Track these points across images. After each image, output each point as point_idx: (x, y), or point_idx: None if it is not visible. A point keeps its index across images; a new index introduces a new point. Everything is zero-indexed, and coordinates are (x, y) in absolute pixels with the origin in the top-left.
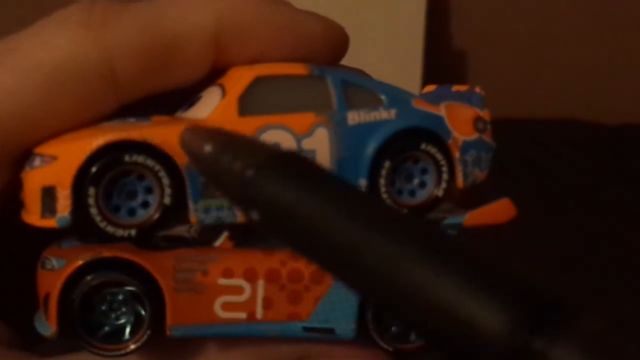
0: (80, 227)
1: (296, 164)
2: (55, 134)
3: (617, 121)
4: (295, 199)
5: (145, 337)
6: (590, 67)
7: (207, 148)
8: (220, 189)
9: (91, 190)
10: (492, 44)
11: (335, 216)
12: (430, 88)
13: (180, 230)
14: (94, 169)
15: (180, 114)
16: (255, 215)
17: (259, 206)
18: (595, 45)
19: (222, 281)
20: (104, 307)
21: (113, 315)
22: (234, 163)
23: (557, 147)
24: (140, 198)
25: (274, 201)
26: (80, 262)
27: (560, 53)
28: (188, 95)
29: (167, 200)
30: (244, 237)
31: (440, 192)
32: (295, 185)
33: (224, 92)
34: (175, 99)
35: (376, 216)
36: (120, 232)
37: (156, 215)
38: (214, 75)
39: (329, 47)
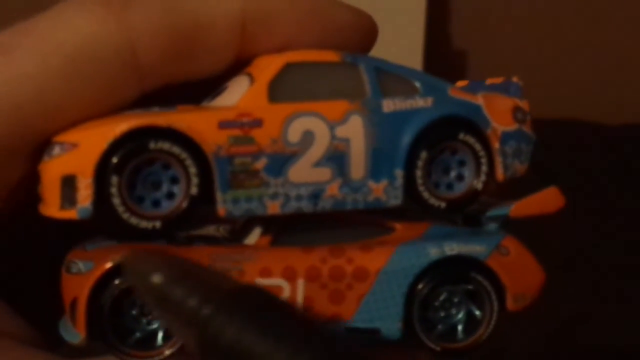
0: (102, 220)
1: (253, 304)
2: (75, 122)
3: (617, 121)
4: (255, 343)
5: (179, 342)
6: (591, 67)
7: (156, 278)
8: (170, 326)
9: (114, 179)
10: (492, 44)
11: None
12: (463, 83)
13: (208, 230)
14: (117, 157)
15: (207, 104)
16: (214, 357)
17: (219, 348)
18: (596, 46)
19: (260, 281)
20: (134, 312)
21: (144, 320)
22: (188, 298)
23: (558, 147)
24: (165, 188)
25: (235, 343)
26: (109, 265)
27: (561, 53)
28: (214, 87)
29: (193, 190)
30: (279, 232)
31: (479, 185)
32: (254, 328)
33: (252, 80)
34: (200, 91)
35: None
36: (144, 224)
37: (183, 206)
38: (239, 66)
39: (358, 35)
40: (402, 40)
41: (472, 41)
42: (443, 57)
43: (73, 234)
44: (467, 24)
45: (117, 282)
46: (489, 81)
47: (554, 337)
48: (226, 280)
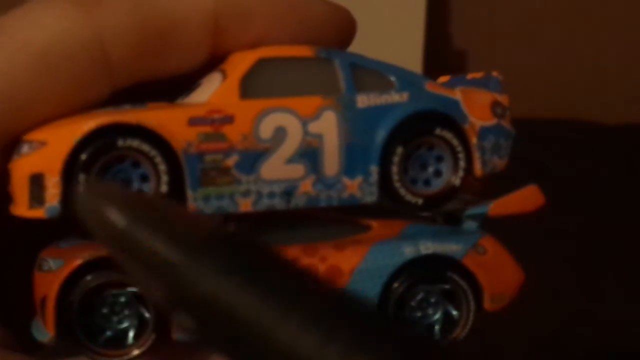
0: (72, 220)
1: (237, 246)
2: (46, 120)
3: (617, 121)
4: (238, 292)
5: (149, 341)
6: (591, 67)
7: (117, 218)
8: (133, 274)
9: (82, 178)
10: (492, 43)
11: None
12: (444, 79)
13: None
14: (84, 155)
15: (180, 101)
16: (183, 318)
17: (192, 301)
18: (596, 45)
19: None
20: (105, 310)
21: (115, 319)
22: (155, 242)
23: (557, 147)
24: (135, 186)
25: (212, 296)
26: (78, 262)
27: (561, 53)
28: (190, 84)
29: (163, 188)
30: (251, 230)
31: (457, 181)
32: (239, 275)
33: (224, 76)
34: (176, 88)
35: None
36: None
37: None
38: (215, 62)
39: (335, 30)
40: (402, 40)
41: (472, 41)
42: (443, 57)
43: (54, 232)
44: (467, 24)
45: (87, 279)
46: (469, 76)
47: (553, 337)
48: (202, 221)
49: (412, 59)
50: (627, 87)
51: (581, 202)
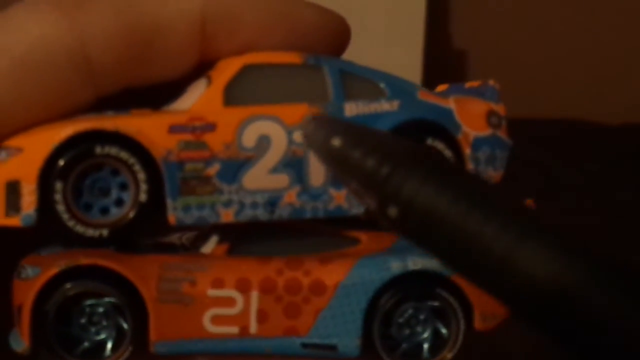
0: (50, 227)
1: (432, 161)
2: (28, 127)
3: (617, 121)
4: (434, 196)
5: (127, 353)
6: (591, 67)
7: (336, 142)
8: (351, 185)
9: (58, 185)
10: (492, 44)
11: (472, 213)
12: (443, 87)
13: (170, 238)
14: (61, 162)
15: (164, 109)
16: (393, 213)
17: (399, 204)
18: (596, 46)
19: (212, 292)
20: (83, 320)
21: (93, 329)
22: (366, 159)
23: (557, 147)
24: (114, 195)
25: (413, 199)
26: (55, 270)
27: (561, 53)
28: (179, 91)
29: (142, 197)
30: (237, 241)
31: None
32: (434, 182)
33: (209, 83)
34: (166, 95)
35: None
36: (90, 232)
37: (131, 214)
38: (203, 69)
39: (327, 37)
40: (402, 40)
41: (472, 41)
42: (443, 57)
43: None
44: (467, 24)
45: (63, 288)
46: (467, 85)
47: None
48: (404, 141)
49: (412, 59)
50: (627, 87)
51: (581, 202)
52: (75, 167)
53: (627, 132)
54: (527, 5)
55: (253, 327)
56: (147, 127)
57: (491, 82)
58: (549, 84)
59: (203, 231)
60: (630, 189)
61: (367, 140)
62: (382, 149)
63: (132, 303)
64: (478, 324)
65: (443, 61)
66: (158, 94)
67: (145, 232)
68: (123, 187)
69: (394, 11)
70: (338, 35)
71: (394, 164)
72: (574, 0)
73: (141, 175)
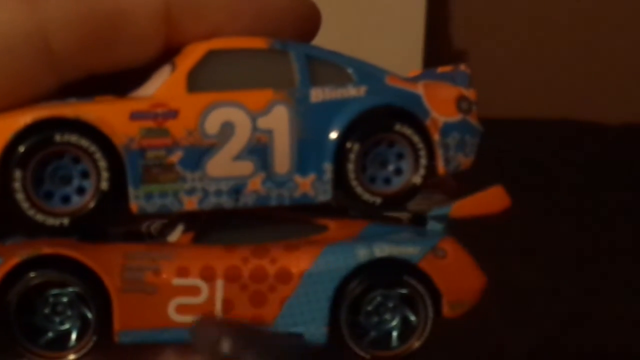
0: (9, 216)
1: None
2: None
3: (617, 121)
4: None
5: (90, 343)
6: (591, 67)
7: (225, 346)
8: None
9: (17, 174)
10: (492, 44)
11: None
12: (415, 73)
13: (137, 227)
14: (20, 149)
15: (130, 95)
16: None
17: None
18: (596, 46)
19: (177, 281)
20: (47, 310)
21: (57, 319)
22: None
23: (557, 147)
24: (75, 183)
25: None
26: (17, 260)
27: (560, 53)
28: (146, 78)
29: (104, 185)
30: (203, 230)
31: (418, 180)
32: None
33: (174, 68)
34: (132, 82)
35: None
36: (51, 221)
37: (92, 203)
38: (170, 55)
39: (297, 22)
40: (402, 40)
41: (472, 41)
42: (443, 57)
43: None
44: (467, 24)
45: (26, 278)
46: (440, 69)
47: (552, 337)
48: (294, 342)
49: (412, 59)
50: (627, 87)
51: (581, 202)
52: (35, 155)
53: (627, 132)
54: (527, 5)
55: (219, 317)
56: (108, 114)
57: (462, 67)
58: (549, 84)
59: (171, 220)
60: (630, 189)
61: (257, 344)
62: (273, 353)
63: (95, 293)
64: (446, 311)
65: (443, 61)
66: (125, 81)
67: (112, 221)
68: (84, 175)
69: (394, 11)
70: (307, 20)
71: None
72: (574, 0)
73: (102, 164)
